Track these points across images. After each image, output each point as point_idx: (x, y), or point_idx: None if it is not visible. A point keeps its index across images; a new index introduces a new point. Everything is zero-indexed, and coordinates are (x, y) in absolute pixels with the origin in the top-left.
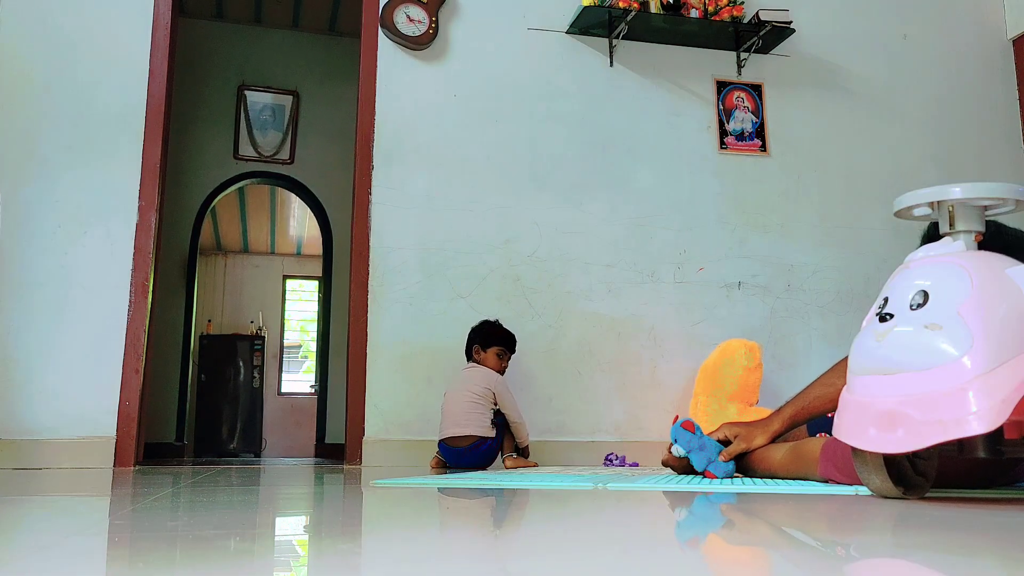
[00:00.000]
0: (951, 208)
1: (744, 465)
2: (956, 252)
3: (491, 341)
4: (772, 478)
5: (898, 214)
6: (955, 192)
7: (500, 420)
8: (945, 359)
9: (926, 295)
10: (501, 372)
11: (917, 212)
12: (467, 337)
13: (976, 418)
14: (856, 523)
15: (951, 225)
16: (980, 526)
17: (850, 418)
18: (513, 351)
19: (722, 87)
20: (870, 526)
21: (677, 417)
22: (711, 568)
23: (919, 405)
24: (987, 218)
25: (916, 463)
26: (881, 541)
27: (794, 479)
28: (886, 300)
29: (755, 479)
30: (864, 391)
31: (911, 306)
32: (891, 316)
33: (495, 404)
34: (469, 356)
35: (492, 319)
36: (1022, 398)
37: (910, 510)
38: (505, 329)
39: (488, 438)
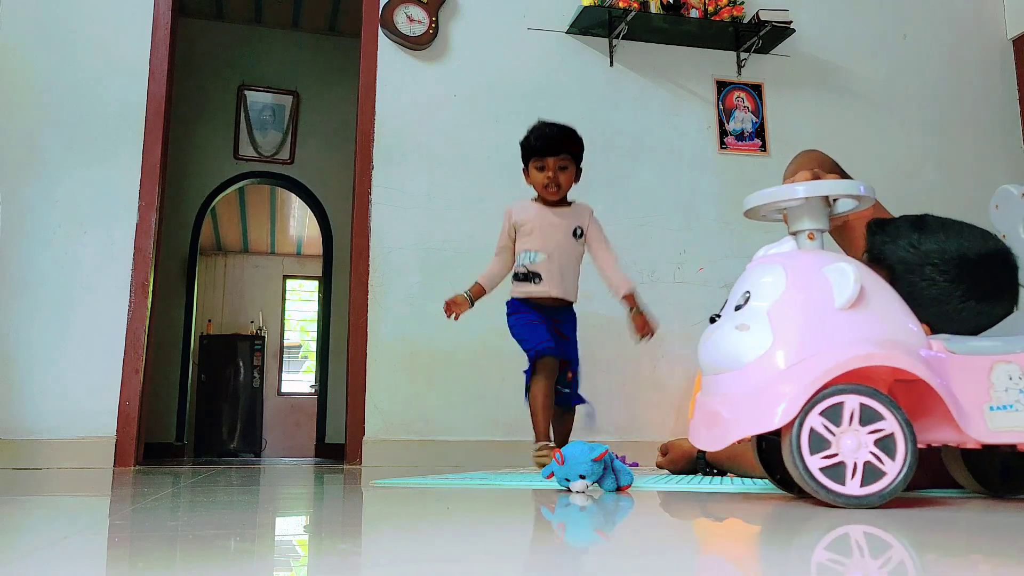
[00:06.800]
0: (784, 211)
1: (736, 468)
2: (783, 252)
3: (524, 160)
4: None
5: (747, 215)
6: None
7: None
8: (748, 359)
9: (748, 296)
10: (554, 185)
11: (763, 213)
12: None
13: (767, 417)
14: (855, 523)
15: (788, 225)
16: (979, 526)
17: (695, 420)
18: (546, 153)
19: (722, 87)
20: (870, 526)
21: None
22: (712, 568)
23: (727, 404)
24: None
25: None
26: (880, 541)
27: None
28: (726, 301)
29: (754, 480)
30: (702, 391)
31: (736, 307)
32: (719, 316)
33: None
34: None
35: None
36: None
37: (910, 510)
38: (529, 131)
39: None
